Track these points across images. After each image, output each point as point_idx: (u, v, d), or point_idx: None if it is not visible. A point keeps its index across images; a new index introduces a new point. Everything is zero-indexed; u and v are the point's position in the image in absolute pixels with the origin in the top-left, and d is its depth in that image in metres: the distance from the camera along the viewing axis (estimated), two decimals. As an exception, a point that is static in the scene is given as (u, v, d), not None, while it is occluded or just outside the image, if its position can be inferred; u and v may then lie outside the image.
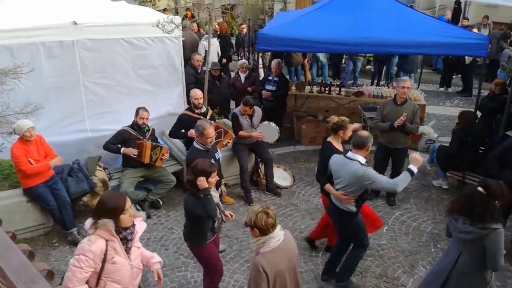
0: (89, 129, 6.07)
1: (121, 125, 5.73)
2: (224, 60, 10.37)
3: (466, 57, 10.13)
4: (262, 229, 2.91)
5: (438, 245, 5.26)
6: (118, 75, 6.16)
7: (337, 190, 4.17)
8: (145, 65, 6.36)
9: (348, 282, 4.51)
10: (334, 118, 4.53)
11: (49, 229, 5.44)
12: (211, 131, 4.59)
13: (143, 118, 5.62)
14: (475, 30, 9.82)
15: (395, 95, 5.89)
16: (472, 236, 3.26)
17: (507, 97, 6.37)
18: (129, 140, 5.63)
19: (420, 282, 4.19)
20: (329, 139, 4.61)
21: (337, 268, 4.56)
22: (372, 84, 10.43)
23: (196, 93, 5.99)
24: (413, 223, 5.71)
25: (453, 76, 11.71)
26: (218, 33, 10.61)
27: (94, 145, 6.02)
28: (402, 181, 3.93)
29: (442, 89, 11.56)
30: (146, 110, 5.64)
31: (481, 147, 6.24)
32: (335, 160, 4.23)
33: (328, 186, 4.30)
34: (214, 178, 3.73)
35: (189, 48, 9.46)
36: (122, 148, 5.62)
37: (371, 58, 11.59)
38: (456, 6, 14.46)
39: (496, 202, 3.30)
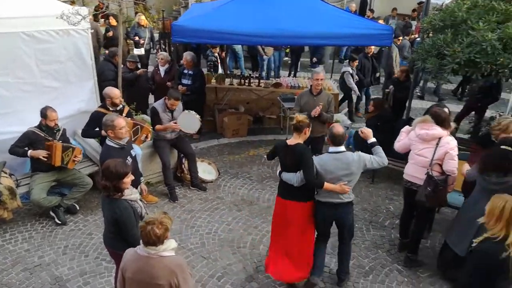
0: (-11, 132, 5.49)
1: (26, 126, 5.24)
2: None
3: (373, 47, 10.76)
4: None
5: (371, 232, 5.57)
6: (20, 71, 5.65)
7: None
8: (50, 59, 5.90)
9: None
10: (298, 117, 4.12)
11: None
12: (121, 121, 4.26)
13: (54, 120, 5.18)
14: (381, 21, 10.47)
15: (310, 86, 6.08)
16: (507, 185, 3.83)
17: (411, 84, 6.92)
18: (37, 142, 5.17)
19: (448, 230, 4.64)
20: (295, 140, 4.11)
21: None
22: (289, 75, 10.67)
23: (115, 92, 5.52)
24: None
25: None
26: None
27: (-4, 149, 5.46)
28: (382, 153, 4.14)
29: (353, 78, 12.17)
30: (54, 110, 5.21)
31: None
32: (324, 161, 4.04)
33: (327, 185, 4.03)
34: (129, 178, 3.47)
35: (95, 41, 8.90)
36: (29, 151, 5.16)
37: (287, 51, 11.84)
38: (363, -2, 15.34)
39: None
